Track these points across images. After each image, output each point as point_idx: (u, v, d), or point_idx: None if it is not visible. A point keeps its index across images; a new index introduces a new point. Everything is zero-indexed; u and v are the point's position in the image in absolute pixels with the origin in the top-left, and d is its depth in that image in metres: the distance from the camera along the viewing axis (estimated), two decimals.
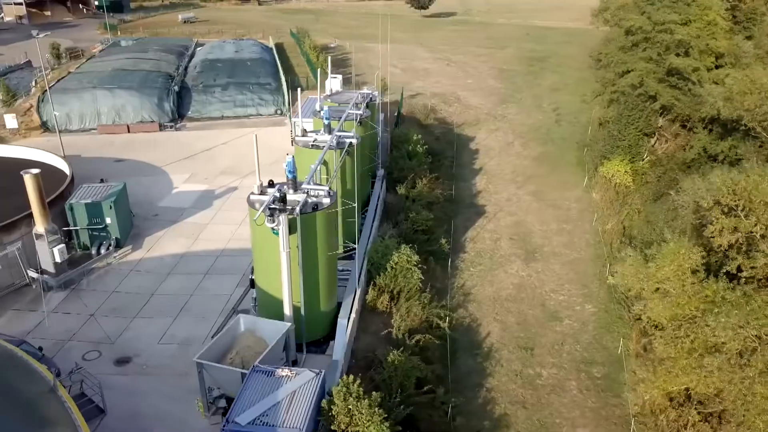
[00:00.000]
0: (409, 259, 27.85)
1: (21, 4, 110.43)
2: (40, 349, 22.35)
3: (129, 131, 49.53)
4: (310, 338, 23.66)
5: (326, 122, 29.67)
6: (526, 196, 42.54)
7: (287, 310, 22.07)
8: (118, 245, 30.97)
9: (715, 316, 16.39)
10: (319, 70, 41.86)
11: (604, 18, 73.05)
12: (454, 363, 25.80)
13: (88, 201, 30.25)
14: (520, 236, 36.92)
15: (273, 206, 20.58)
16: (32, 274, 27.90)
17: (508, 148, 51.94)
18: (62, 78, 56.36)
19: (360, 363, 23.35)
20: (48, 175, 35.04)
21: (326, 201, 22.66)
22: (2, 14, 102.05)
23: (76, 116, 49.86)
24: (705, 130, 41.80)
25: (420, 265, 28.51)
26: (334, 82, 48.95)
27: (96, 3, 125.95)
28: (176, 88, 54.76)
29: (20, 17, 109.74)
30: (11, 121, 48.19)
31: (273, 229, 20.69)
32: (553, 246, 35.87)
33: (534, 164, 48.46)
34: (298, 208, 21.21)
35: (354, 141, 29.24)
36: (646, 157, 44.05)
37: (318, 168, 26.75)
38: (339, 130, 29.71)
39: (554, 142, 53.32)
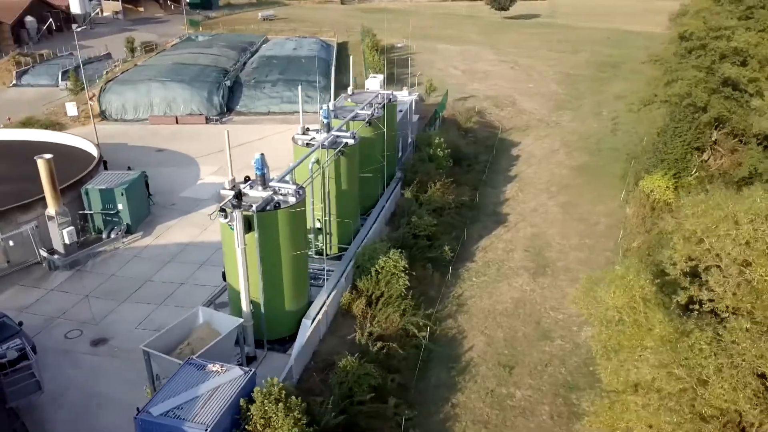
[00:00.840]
0: (396, 264, 27.31)
1: (118, 0, 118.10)
2: (20, 323, 23.73)
3: (177, 122, 51.74)
4: (273, 336, 23.76)
5: (325, 121, 29.67)
6: (555, 207, 40.67)
7: (244, 306, 22.25)
8: (129, 231, 32.38)
9: (642, 352, 14.96)
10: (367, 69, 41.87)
11: (682, 23, 68.80)
12: (425, 375, 25.05)
13: (102, 187, 31.82)
14: (535, 249, 35.33)
15: (229, 202, 20.83)
16: (43, 253, 29.71)
17: (550, 156, 49.91)
18: (126, 70, 59.71)
19: (319, 365, 23.16)
20: (81, 160, 37.47)
21: (291, 200, 22.65)
22: (97, 10, 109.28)
23: (131, 106, 52.63)
24: (759, 147, 38.41)
25: (410, 272, 27.95)
26: (372, 82, 49.00)
27: (187, 0, 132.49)
28: (228, 82, 56.59)
29: (116, 12, 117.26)
30: (72, 109, 51.58)
31: (229, 225, 20.92)
32: (567, 261, 34.07)
33: (573, 174, 46.28)
34: (255, 206, 21.34)
35: (351, 141, 29.05)
36: (695, 172, 40.91)
37: (311, 167, 26.99)
38: (338, 130, 29.62)
39: (603, 153, 50.71)
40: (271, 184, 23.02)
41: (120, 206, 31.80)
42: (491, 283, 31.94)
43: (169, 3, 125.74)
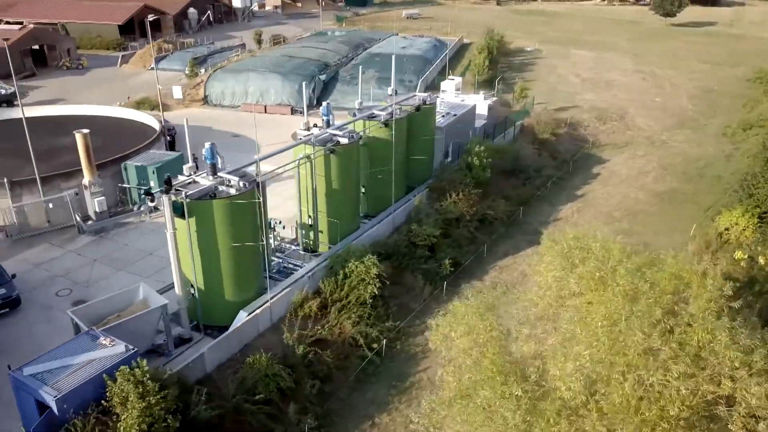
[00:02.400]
0: (367, 270, 26.49)
1: None
2: (13, 276, 26.76)
3: (266, 111, 54.49)
4: (212, 322, 24.32)
5: (324, 118, 29.53)
6: (608, 236, 36.47)
7: (177, 290, 23.02)
8: (157, 208, 34.84)
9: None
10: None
11: None
12: (364, 389, 24.06)
13: (139, 164, 34.61)
14: None
15: (161, 188, 21.66)
16: (78, 218, 33.14)
17: (636, 178, 44.82)
18: (240, 60, 64.05)
19: (241, 358, 23.24)
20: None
21: (232, 191, 22.93)
22: (255, 4, 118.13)
23: (229, 93, 56.43)
24: None
25: (396, 282, 27.05)
26: (448, 84, 47.77)
27: None
28: (323, 76, 58.34)
29: (276, 7, 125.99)
30: (178, 92, 56.59)
31: (154, 208, 21.79)
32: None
33: (652, 200, 41.18)
34: (185, 192, 21.96)
35: (344, 140, 28.61)
36: None
37: (298, 162, 27.25)
38: (337, 128, 29.35)
39: (703, 180, 44.46)
40: (220, 174, 23.47)
41: (152, 183, 34.33)
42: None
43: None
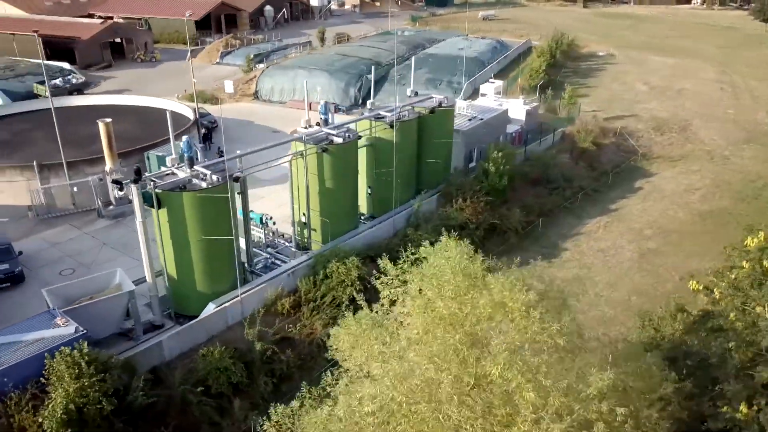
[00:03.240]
0: (348, 272, 26.23)
1: None
2: (20, 253, 28.53)
3: (310, 108, 54.96)
4: (185, 311, 24.86)
5: (322, 117, 29.46)
6: (631, 253, 34.25)
7: (148, 277, 23.71)
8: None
9: None
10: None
11: None
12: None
13: (160, 154, 35.94)
14: (561, 294, 30.34)
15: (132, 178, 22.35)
16: (99, 202, 34.90)
17: (681, 195, 41.73)
18: (297, 57, 65.26)
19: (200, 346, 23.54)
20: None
21: (203, 185, 23.30)
22: (332, 3, 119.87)
23: (278, 89, 57.62)
24: None
25: (368, 282, 26.53)
26: (488, 87, 46.58)
27: None
28: (371, 76, 58.23)
29: (355, 6, 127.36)
30: (229, 86, 58.41)
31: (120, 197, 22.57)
32: (586, 317, 28.68)
33: (692, 220, 38.24)
34: (152, 183, 22.55)
35: (338, 140, 28.42)
36: None
37: (290, 159, 27.44)
38: (335, 127, 29.22)
39: (757, 201, 40.84)
40: (196, 167, 23.92)
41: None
42: None
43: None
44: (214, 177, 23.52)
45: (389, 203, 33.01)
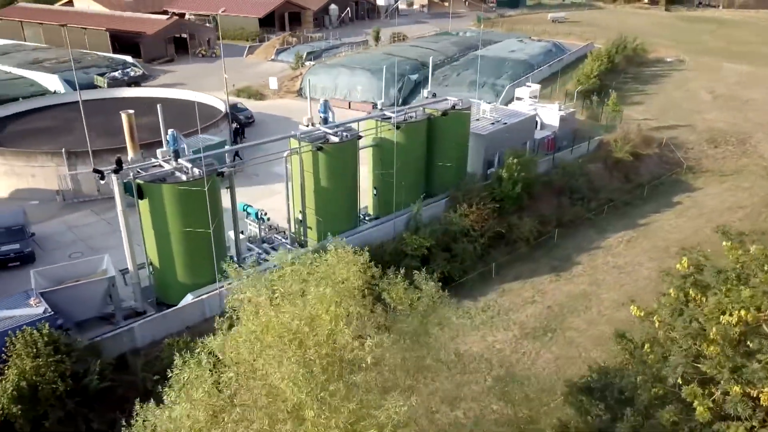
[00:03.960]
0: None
1: None
2: (32, 234, 30.14)
3: (349, 107, 55.34)
4: (168, 300, 25.43)
5: (321, 116, 29.40)
6: (648, 272, 32.08)
7: (129, 265, 24.45)
8: None
9: None
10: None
11: None
12: None
13: (181, 146, 37.00)
14: (562, 309, 29.04)
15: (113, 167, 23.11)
16: None
17: (723, 213, 38.83)
18: (344, 56, 65.65)
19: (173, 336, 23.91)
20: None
21: (183, 178, 23.75)
22: (398, 2, 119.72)
23: (320, 87, 58.09)
24: None
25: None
26: (523, 91, 45.27)
27: None
28: (414, 77, 57.87)
29: (423, 6, 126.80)
30: (273, 83, 59.49)
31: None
32: (581, 336, 27.26)
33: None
34: (132, 173, 23.19)
35: (335, 139, 28.28)
36: None
37: (285, 156, 27.68)
38: (333, 126, 29.10)
39: None
40: (181, 160, 24.43)
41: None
42: (455, 329, 27.57)
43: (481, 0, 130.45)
44: (196, 171, 23.92)
45: (396, 205, 32.53)
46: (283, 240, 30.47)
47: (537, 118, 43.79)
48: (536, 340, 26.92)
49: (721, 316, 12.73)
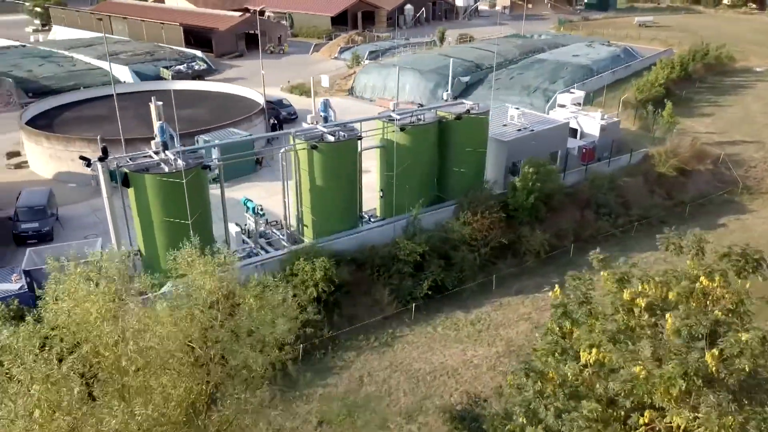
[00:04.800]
0: (312, 272, 26.06)
1: None
2: (53, 215, 32.08)
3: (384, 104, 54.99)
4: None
5: (321, 115, 29.34)
6: None
7: (115, 248, 25.43)
8: (215, 179, 38.19)
9: None
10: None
11: None
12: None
13: (207, 138, 38.21)
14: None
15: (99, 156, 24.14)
16: None
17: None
18: (399, 56, 65.33)
19: None
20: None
21: (165, 169, 24.41)
22: (478, 3, 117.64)
23: (370, 86, 58.21)
24: None
25: (334, 285, 26.29)
26: (566, 98, 43.44)
27: (585, 0, 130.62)
28: (465, 79, 56.71)
29: (505, 8, 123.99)
30: (325, 81, 60.10)
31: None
32: None
33: None
34: (116, 162, 24.11)
35: (330, 138, 28.15)
36: None
37: (281, 153, 28.00)
38: (333, 126, 29.01)
39: None
40: (168, 153, 25.14)
41: (213, 157, 37.61)
42: (438, 340, 26.74)
43: (555, 2, 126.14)
44: (180, 163, 24.53)
45: (402, 208, 31.98)
46: (280, 236, 30.72)
47: (577, 127, 41.73)
48: (519, 358, 25.59)
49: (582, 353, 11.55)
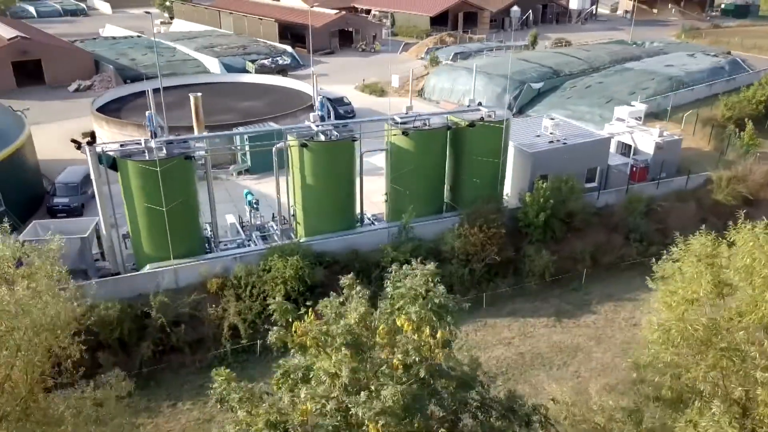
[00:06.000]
0: (283, 269, 26.16)
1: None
2: (84, 192, 34.60)
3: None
4: (138, 266, 27.62)
5: (319, 113, 29.19)
6: None
7: (103, 230, 27.04)
8: (248, 171, 39.45)
9: None
10: None
11: None
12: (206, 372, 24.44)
13: (242, 130, 39.46)
14: (522, 361, 25.36)
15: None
16: None
17: None
18: (475, 59, 63.45)
19: (127, 305, 25.73)
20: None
21: (145, 158, 25.47)
22: (592, 7, 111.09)
23: (438, 89, 57.13)
24: None
25: (303, 285, 26.25)
26: (624, 111, 40.29)
27: (722, 6, 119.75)
28: (538, 85, 54.01)
29: (627, 12, 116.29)
30: (396, 81, 59.75)
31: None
32: (531, 390, 23.53)
33: None
34: (102, 147, 25.49)
35: (321, 138, 27.94)
36: None
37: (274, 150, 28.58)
38: (330, 125, 28.80)
39: None
40: (154, 141, 26.20)
41: (246, 148, 38.91)
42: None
43: (682, 7, 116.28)
44: (162, 152, 25.51)
45: (399, 214, 31.05)
46: (275, 231, 31.02)
47: (631, 143, 38.29)
48: None
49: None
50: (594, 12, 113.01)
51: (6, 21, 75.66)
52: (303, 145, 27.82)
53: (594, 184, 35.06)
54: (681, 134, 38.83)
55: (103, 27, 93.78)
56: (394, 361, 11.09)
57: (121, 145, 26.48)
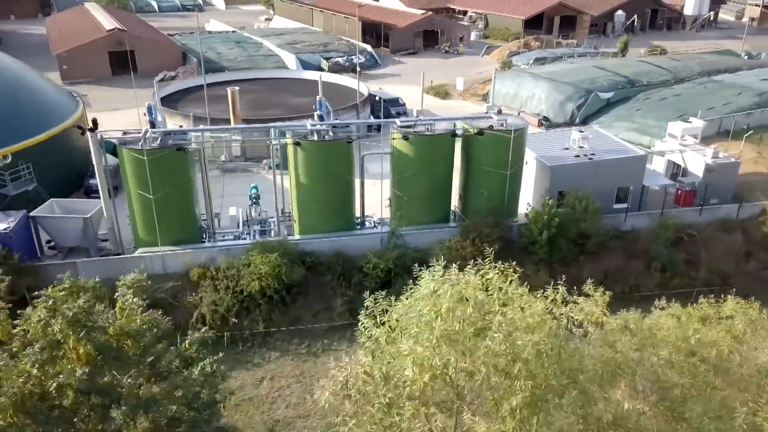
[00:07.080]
0: (259, 266, 26.40)
1: (758, 5, 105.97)
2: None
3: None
4: (136, 247, 28.93)
5: (318, 112, 28.99)
6: None
7: (105, 212, 28.54)
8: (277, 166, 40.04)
9: None
10: None
11: None
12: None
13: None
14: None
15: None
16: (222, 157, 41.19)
17: None
18: (550, 65, 60.35)
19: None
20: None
21: (138, 147, 26.52)
22: (709, 12, 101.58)
23: (500, 94, 54.85)
24: None
25: (279, 284, 26.36)
26: (675, 127, 37.00)
27: None
28: (607, 95, 50.53)
29: (753, 19, 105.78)
30: (460, 84, 58.21)
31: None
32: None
33: None
34: (101, 134, 26.84)
35: (313, 137, 27.78)
36: None
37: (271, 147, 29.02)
38: (329, 125, 28.62)
39: None
40: (151, 131, 27.27)
41: (273, 141, 39.44)
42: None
43: None
44: (156, 143, 26.51)
45: (408, 219, 30.19)
46: (274, 227, 31.25)
47: (681, 163, 34.83)
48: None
49: None
50: (712, 18, 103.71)
51: (111, 11, 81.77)
52: (296, 144, 27.80)
53: (624, 205, 32.18)
54: (738, 157, 34.61)
55: (208, 22, 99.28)
56: None
57: (124, 133, 27.76)
